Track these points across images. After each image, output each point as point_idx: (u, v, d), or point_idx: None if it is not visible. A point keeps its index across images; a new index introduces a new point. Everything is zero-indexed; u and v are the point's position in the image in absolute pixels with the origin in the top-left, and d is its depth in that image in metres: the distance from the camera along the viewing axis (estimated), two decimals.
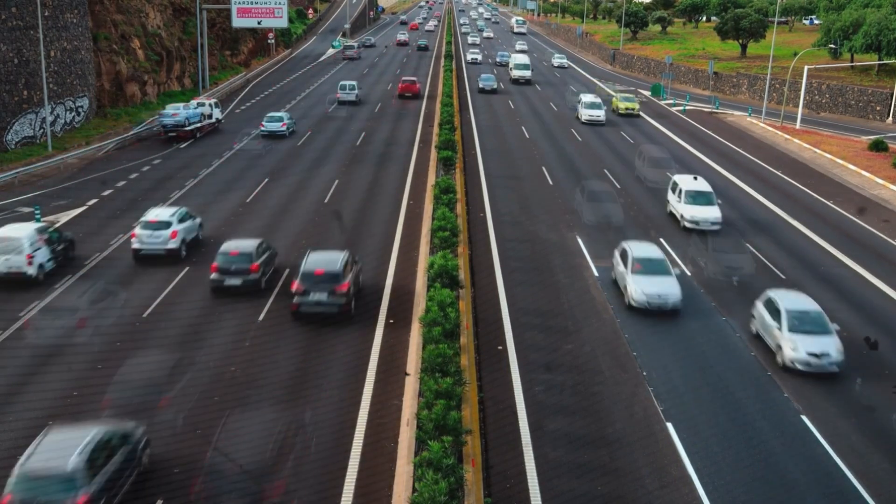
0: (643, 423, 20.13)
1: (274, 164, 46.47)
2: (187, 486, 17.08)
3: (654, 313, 26.49)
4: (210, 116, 55.37)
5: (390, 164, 47.05)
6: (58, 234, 29.64)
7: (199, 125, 52.79)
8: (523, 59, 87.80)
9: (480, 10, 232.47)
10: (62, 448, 15.35)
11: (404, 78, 76.27)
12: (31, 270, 27.40)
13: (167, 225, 29.93)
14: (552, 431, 19.58)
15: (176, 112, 51.79)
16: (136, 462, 16.94)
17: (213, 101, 57.65)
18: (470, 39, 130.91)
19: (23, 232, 27.97)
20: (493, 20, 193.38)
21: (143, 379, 21.31)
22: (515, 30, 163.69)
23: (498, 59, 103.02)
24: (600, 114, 62.32)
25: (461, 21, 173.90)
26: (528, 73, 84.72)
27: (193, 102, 55.19)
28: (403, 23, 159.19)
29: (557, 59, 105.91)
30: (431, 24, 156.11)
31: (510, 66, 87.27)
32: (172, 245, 29.91)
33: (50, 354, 22.72)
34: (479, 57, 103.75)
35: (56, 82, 50.84)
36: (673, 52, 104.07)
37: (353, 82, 69.45)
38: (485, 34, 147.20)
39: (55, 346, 23.27)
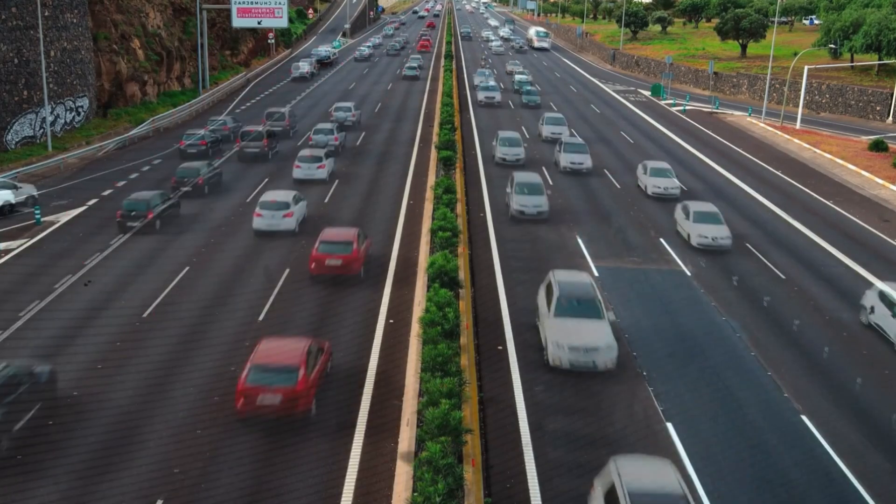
0: (643, 423, 20.12)
1: (273, 164, 46.46)
2: (188, 484, 17.10)
3: (654, 312, 26.49)
4: (335, 55, 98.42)
5: (390, 164, 47.05)
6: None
7: (332, 58, 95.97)
8: None
9: (491, 21, 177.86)
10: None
11: (428, 22, 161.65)
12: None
13: None
14: (552, 431, 19.57)
15: (322, 52, 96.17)
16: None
17: (328, 47, 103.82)
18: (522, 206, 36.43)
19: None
20: (517, 45, 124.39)
21: (151, 371, 21.36)
22: (535, 44, 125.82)
23: None
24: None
25: (478, 82, 77.35)
26: None
27: (324, 47, 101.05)
28: (415, 11, 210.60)
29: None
30: (438, 8, 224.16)
31: None
32: None
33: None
34: None
35: (56, 82, 50.84)
36: (673, 52, 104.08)
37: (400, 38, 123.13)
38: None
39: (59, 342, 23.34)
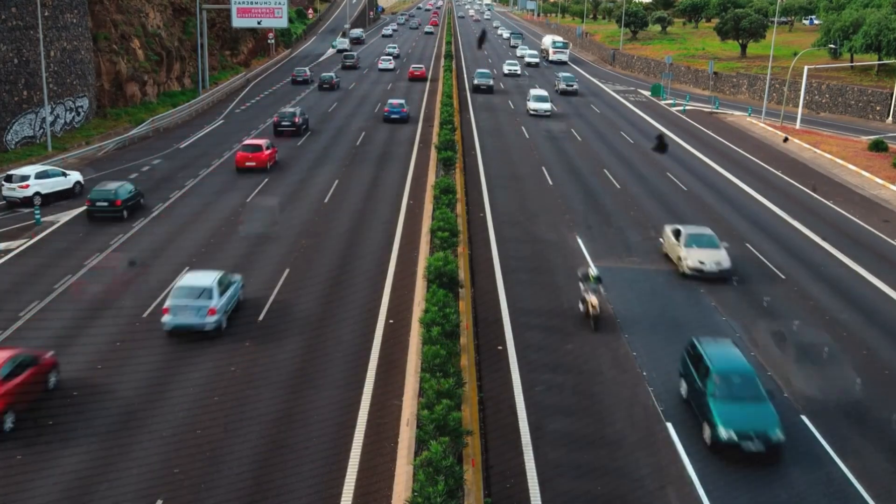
0: (643, 423, 20.12)
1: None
2: (187, 484, 17.10)
3: (654, 313, 26.50)
4: (364, 35, 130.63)
5: (390, 164, 47.06)
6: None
7: (362, 38, 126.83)
8: None
9: (502, 31, 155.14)
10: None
11: (434, 11, 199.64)
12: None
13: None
14: (552, 431, 19.57)
15: (356, 33, 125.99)
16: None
17: (361, 29, 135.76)
18: None
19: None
20: (565, 84, 78.75)
21: (151, 370, 21.39)
22: (551, 56, 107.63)
23: None
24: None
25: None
26: None
27: (358, 29, 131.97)
28: (419, 7, 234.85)
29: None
30: (440, 4, 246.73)
31: None
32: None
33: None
34: None
35: (56, 82, 50.83)
36: (673, 52, 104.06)
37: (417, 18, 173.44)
38: None
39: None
